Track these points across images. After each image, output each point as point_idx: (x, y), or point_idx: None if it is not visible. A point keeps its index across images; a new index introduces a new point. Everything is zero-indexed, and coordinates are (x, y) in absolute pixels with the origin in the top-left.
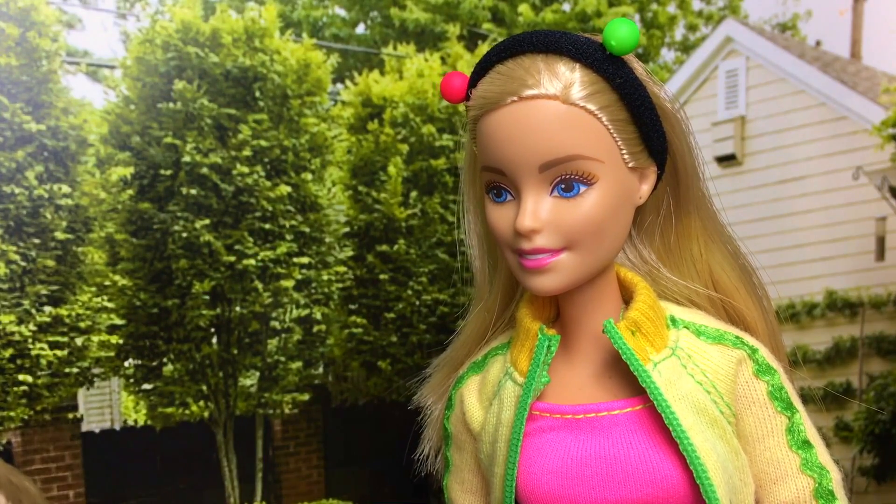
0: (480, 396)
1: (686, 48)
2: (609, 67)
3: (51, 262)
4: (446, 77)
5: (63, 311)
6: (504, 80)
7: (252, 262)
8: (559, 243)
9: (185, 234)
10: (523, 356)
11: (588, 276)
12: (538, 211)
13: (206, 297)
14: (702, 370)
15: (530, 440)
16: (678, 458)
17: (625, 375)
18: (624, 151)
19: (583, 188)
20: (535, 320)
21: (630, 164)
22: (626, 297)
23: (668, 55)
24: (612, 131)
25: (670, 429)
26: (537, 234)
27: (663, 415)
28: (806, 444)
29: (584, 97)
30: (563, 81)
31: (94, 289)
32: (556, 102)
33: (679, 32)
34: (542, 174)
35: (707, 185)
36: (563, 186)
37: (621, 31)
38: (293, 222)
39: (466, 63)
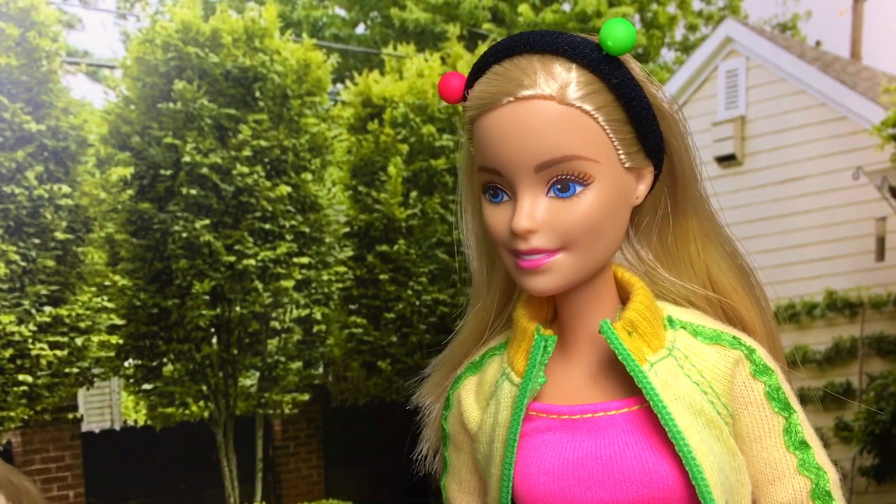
0: (478, 396)
1: (686, 48)
2: (605, 68)
3: (51, 262)
4: (444, 77)
5: (63, 311)
6: (500, 81)
7: (252, 262)
8: (555, 244)
9: (185, 234)
10: (520, 356)
11: (584, 276)
12: (534, 211)
13: (206, 297)
14: (699, 370)
15: (527, 440)
16: (674, 458)
17: (621, 376)
18: (620, 152)
19: (579, 188)
20: (531, 321)
21: (627, 165)
22: (624, 297)
23: (668, 55)
24: (608, 131)
25: (666, 429)
26: (533, 235)
27: (659, 415)
28: (803, 445)
29: (580, 97)
30: (559, 82)
31: (94, 289)
32: (552, 103)
33: (679, 32)
34: (539, 174)
35: (705, 186)
36: (559, 187)
37: (617, 31)
38: (293, 222)
39: (466, 63)
